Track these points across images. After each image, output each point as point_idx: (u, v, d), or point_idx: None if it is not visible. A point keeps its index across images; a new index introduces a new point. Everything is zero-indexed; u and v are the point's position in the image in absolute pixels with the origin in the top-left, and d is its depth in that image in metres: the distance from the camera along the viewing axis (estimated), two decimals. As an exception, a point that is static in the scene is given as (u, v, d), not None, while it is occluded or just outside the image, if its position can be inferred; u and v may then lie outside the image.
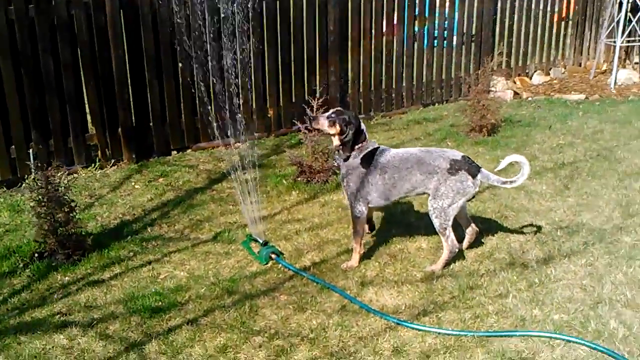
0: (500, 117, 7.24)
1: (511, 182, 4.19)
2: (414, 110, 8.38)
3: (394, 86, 8.30)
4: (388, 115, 8.20)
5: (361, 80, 8.02)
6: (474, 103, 7.09)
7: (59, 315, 3.81)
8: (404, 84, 8.39)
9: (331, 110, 4.29)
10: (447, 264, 4.24)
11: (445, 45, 8.68)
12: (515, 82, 9.42)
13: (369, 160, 4.21)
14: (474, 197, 4.34)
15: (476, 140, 6.88)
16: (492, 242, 4.60)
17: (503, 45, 8.99)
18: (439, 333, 3.56)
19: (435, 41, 8.59)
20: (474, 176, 4.13)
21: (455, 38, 8.81)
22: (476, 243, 4.56)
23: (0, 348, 3.52)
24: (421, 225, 4.87)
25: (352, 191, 4.23)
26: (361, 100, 8.10)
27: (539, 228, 4.80)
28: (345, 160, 4.23)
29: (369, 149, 4.22)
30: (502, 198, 5.32)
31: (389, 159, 4.21)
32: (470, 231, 4.45)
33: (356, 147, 4.18)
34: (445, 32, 8.64)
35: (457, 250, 4.25)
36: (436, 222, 4.20)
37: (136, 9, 6.34)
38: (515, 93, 9.06)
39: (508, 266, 4.26)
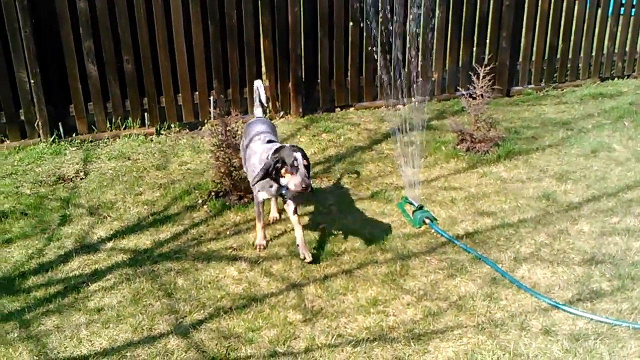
0: (689, 99, 6.59)
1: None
2: (589, 83, 7.87)
3: (570, 56, 7.83)
4: (560, 88, 7.79)
5: (534, 48, 7.67)
6: (661, 81, 6.50)
7: (230, 250, 4.27)
8: (581, 55, 7.89)
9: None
10: None
11: (632, 13, 7.96)
12: None
13: None
14: None
15: (658, 122, 6.35)
16: (663, 234, 4.32)
17: None
18: (592, 319, 3.48)
19: (622, 9, 7.92)
20: None
21: (646, 6, 8.06)
22: (644, 233, 4.32)
23: (180, 271, 4.04)
24: (584, 209, 4.69)
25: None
26: (532, 69, 7.77)
27: None
28: None
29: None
30: (681, 188, 4.93)
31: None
32: None
33: None
34: (635, -1, 7.94)
35: None
36: None
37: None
38: None
39: (678, 262, 4.00)
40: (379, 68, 7.11)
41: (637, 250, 4.15)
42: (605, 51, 8.01)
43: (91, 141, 6.22)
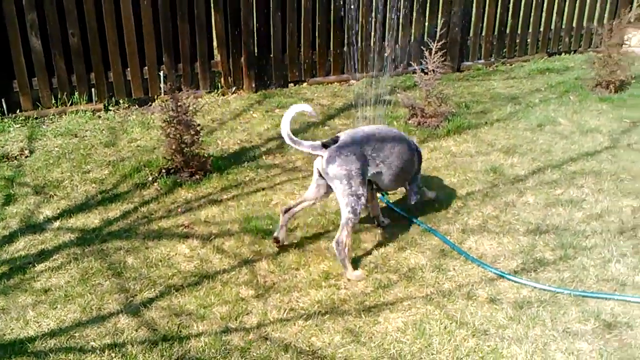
0: (631, 74, 6.80)
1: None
2: (537, 59, 8.04)
3: (519, 32, 7.97)
4: (509, 63, 7.93)
5: (485, 23, 7.76)
6: (605, 56, 6.69)
7: (182, 227, 4.23)
8: (529, 30, 8.03)
9: None
10: None
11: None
12: (654, 37, 8.71)
13: None
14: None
15: (601, 96, 6.55)
16: (604, 205, 4.49)
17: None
18: (535, 287, 3.61)
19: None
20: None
21: (592, -17, 8.23)
22: (587, 204, 4.48)
23: (130, 250, 3.99)
24: (529, 181, 4.83)
25: None
26: (482, 44, 7.87)
27: (657, 195, 4.60)
28: None
29: None
30: (622, 161, 5.11)
31: None
32: None
33: None
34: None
35: None
36: None
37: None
38: (653, 48, 8.40)
39: (616, 230, 4.16)
40: (331, 43, 7.07)
41: (580, 220, 4.31)
42: (553, 26, 8.18)
43: (36, 118, 6.01)
